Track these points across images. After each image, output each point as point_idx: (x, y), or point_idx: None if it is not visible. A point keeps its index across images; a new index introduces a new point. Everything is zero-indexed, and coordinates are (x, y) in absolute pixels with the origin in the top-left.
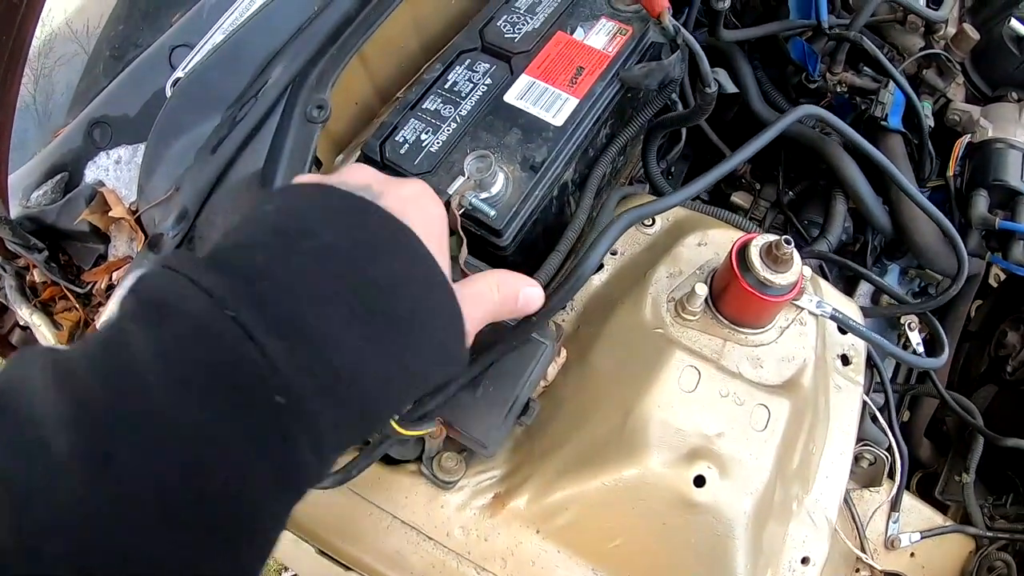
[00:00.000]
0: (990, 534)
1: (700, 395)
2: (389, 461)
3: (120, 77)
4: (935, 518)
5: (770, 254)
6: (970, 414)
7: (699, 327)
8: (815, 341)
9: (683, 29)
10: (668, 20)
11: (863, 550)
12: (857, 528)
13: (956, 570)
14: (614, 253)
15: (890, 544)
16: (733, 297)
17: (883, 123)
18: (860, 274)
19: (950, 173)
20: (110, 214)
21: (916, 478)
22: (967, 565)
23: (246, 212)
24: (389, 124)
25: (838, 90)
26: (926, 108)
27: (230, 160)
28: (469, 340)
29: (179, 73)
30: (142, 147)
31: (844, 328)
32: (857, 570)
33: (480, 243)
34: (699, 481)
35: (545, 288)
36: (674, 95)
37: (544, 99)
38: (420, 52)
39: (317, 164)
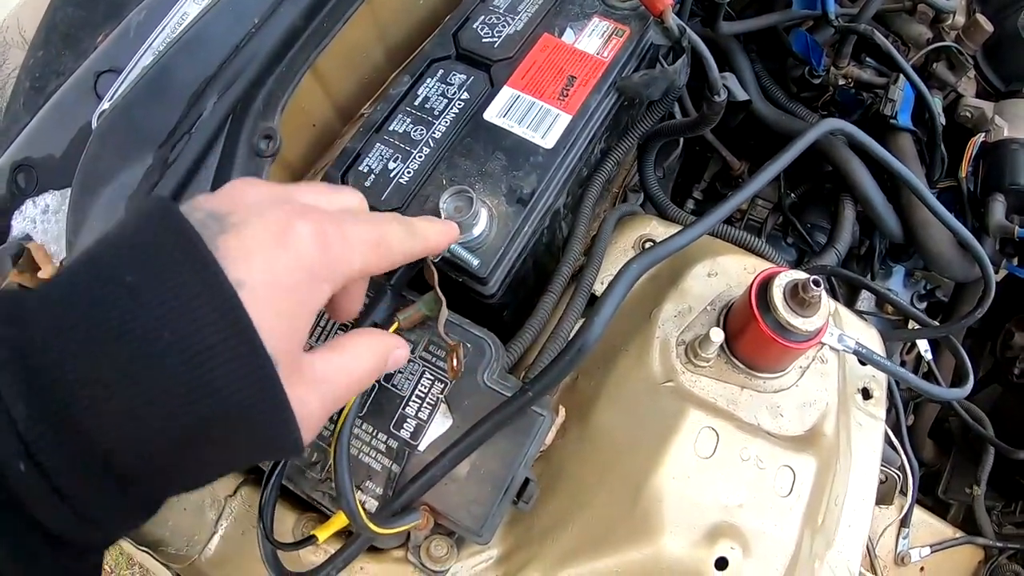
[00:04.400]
0: (1000, 544)
1: (718, 461)
2: (371, 549)
3: (42, 112)
4: (945, 530)
5: (795, 296)
6: (980, 423)
7: (713, 374)
8: (837, 380)
9: (688, 29)
10: (672, 19)
11: (873, 570)
12: (867, 547)
13: None
14: None
15: (900, 560)
16: (751, 340)
17: (892, 121)
18: (875, 292)
19: (963, 174)
20: (40, 275)
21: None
22: (977, 575)
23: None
24: (352, 151)
25: (842, 84)
26: (936, 104)
27: None
28: (312, 421)
29: (106, 104)
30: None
31: (865, 361)
32: None
33: (462, 291)
34: (721, 564)
35: (537, 337)
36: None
37: (531, 116)
38: (386, 62)
39: None
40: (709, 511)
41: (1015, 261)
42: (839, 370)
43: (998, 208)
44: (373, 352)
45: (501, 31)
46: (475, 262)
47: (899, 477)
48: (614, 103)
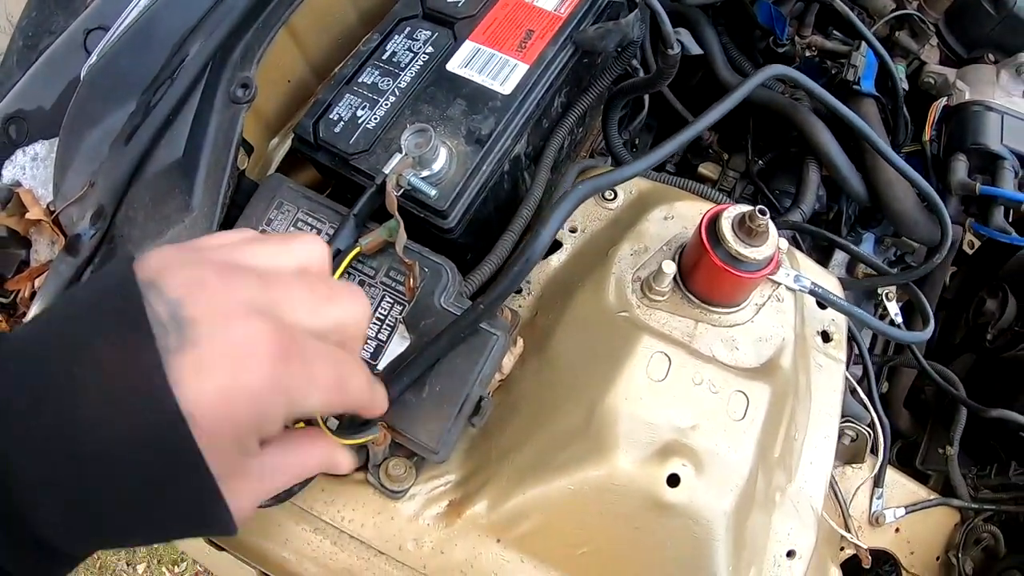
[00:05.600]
0: (975, 505)
1: (671, 384)
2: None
3: (34, 67)
4: (919, 492)
5: (743, 226)
6: (951, 385)
7: (668, 308)
8: (794, 318)
9: None
10: None
11: (847, 529)
12: (840, 506)
13: (942, 543)
14: (573, 231)
15: (874, 521)
16: (704, 274)
17: (855, 87)
18: (837, 244)
19: (926, 138)
20: (28, 216)
21: (896, 448)
22: (953, 538)
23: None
24: (323, 101)
25: (807, 54)
26: (900, 71)
27: (146, 150)
28: (241, 514)
29: (95, 58)
30: None
31: (824, 303)
32: (842, 548)
33: (424, 226)
34: (673, 480)
35: (497, 274)
36: (635, 61)
37: (491, 66)
38: (359, 23)
39: (248, 149)
40: (661, 431)
41: (979, 220)
42: (796, 310)
43: (960, 167)
44: (318, 460)
45: None
46: (433, 192)
47: (870, 434)
48: (571, 55)
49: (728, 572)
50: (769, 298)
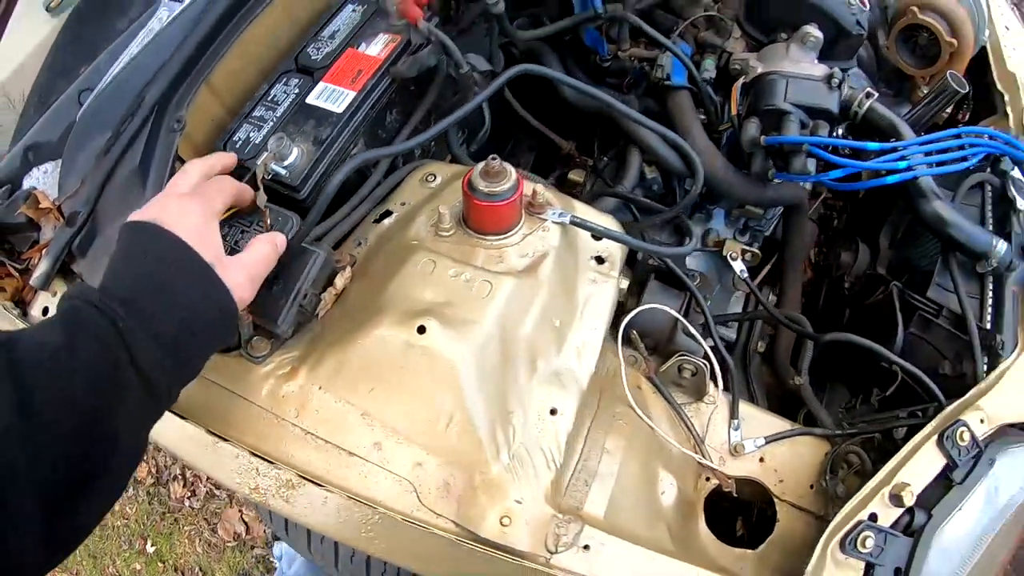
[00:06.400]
0: (838, 432)
1: (434, 276)
2: (223, 350)
3: (45, 115)
4: (782, 424)
5: (486, 172)
6: (799, 324)
7: (453, 241)
8: (557, 242)
9: (436, 29)
10: (422, 24)
11: (702, 453)
12: (694, 438)
13: (811, 472)
14: (403, 204)
15: (734, 451)
16: (472, 213)
17: (667, 83)
18: (617, 196)
19: (733, 112)
20: (40, 207)
21: (803, 413)
22: (824, 466)
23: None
24: (229, 130)
25: (633, 65)
26: (708, 64)
27: (117, 160)
28: (245, 287)
29: (84, 108)
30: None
31: (596, 235)
32: (707, 479)
33: (287, 199)
34: (421, 330)
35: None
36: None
37: (332, 96)
38: (259, 78)
39: (180, 161)
40: (420, 303)
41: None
42: (560, 237)
43: (750, 127)
44: (265, 243)
45: (323, 50)
46: (284, 172)
47: (706, 366)
48: (390, 83)
49: (484, 404)
50: (536, 229)
